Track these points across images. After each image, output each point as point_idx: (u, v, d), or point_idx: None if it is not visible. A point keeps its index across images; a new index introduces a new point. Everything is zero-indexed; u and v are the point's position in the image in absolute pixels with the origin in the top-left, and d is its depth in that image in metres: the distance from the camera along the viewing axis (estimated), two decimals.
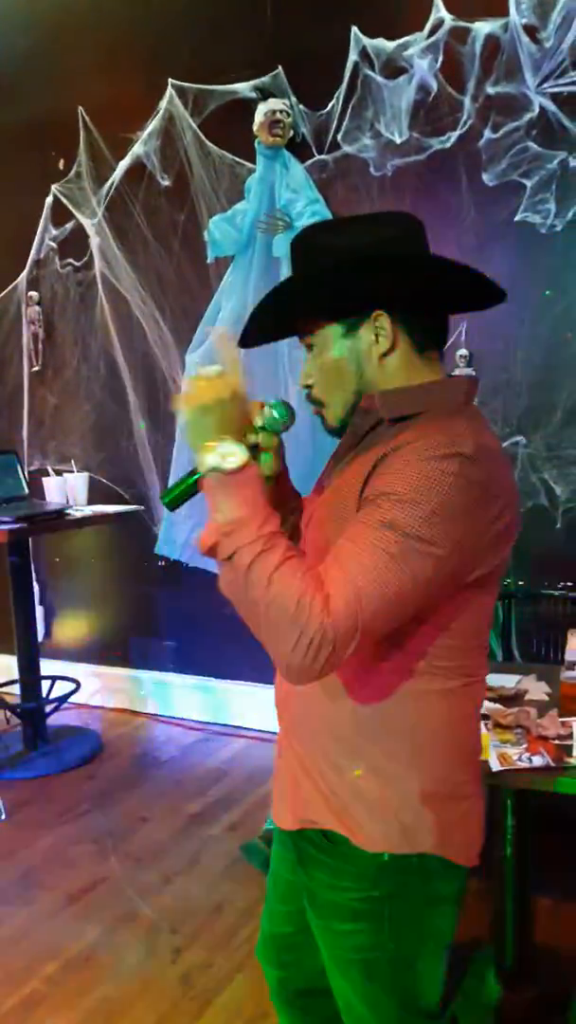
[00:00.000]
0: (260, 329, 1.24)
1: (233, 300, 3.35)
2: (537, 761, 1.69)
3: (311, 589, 0.97)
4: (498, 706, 1.92)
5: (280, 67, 3.21)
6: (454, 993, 1.28)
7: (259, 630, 1.01)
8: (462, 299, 1.21)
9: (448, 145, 2.96)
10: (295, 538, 1.37)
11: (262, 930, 1.42)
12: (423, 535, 0.98)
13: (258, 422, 1.17)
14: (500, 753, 1.73)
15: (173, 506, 1.15)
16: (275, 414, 1.18)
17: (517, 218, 2.86)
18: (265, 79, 3.23)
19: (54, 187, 3.81)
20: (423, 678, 1.10)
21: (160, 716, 3.90)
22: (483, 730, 1.79)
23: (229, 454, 1.02)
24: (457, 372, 2.93)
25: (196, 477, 1.10)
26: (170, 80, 3.42)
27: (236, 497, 1.01)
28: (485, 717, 1.85)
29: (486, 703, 1.92)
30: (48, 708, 3.57)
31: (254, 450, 1.17)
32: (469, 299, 1.21)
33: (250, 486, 1.02)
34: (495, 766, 1.68)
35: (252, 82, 3.26)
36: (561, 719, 1.82)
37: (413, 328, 1.14)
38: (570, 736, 1.76)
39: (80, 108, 3.67)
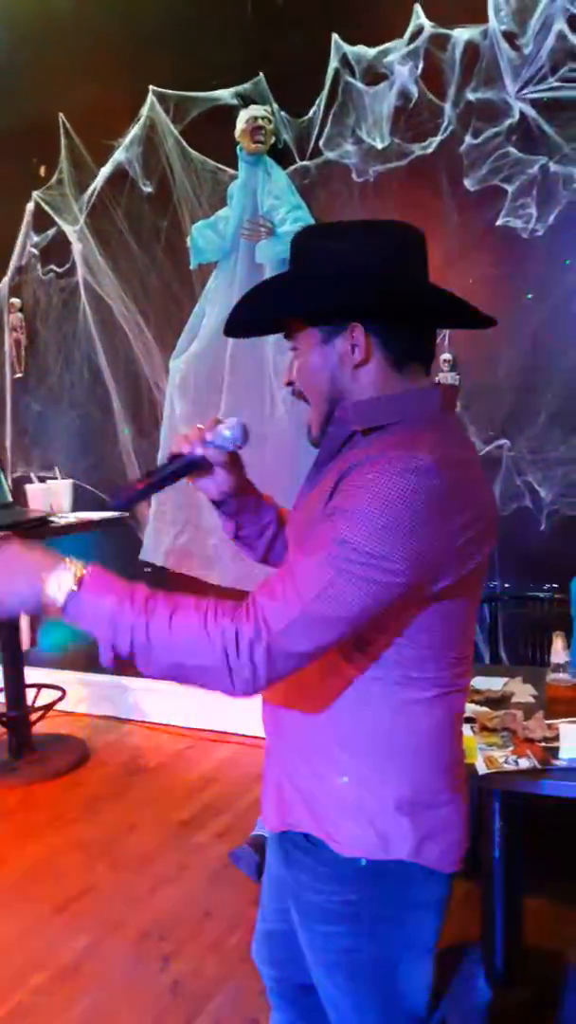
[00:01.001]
0: (247, 322, 1.25)
1: (217, 306, 3.35)
2: (523, 763, 1.70)
3: (209, 609, 1.00)
4: (484, 709, 1.93)
5: (262, 74, 3.22)
6: (443, 995, 1.28)
7: (195, 677, 1.04)
8: (448, 319, 1.22)
9: (430, 151, 2.98)
10: (274, 549, 1.40)
11: (256, 929, 1.43)
12: (374, 551, 0.98)
13: (208, 437, 1.22)
14: (487, 756, 1.73)
15: (128, 506, 1.20)
16: (225, 433, 1.22)
17: (499, 223, 2.89)
18: (247, 86, 3.24)
19: (36, 194, 3.80)
20: (398, 688, 1.11)
21: (147, 722, 3.88)
22: (469, 733, 1.79)
23: (62, 579, 1.03)
24: (440, 376, 2.95)
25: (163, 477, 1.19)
26: (151, 87, 3.42)
27: (95, 600, 1.02)
28: (471, 720, 1.86)
29: (472, 706, 1.93)
30: (34, 716, 3.55)
31: (201, 462, 1.21)
32: (455, 319, 1.22)
33: (97, 580, 1.03)
34: (482, 769, 1.69)
35: (234, 89, 3.27)
36: (547, 721, 1.83)
37: (390, 342, 1.13)
38: (556, 738, 1.77)
39: (61, 115, 3.67)
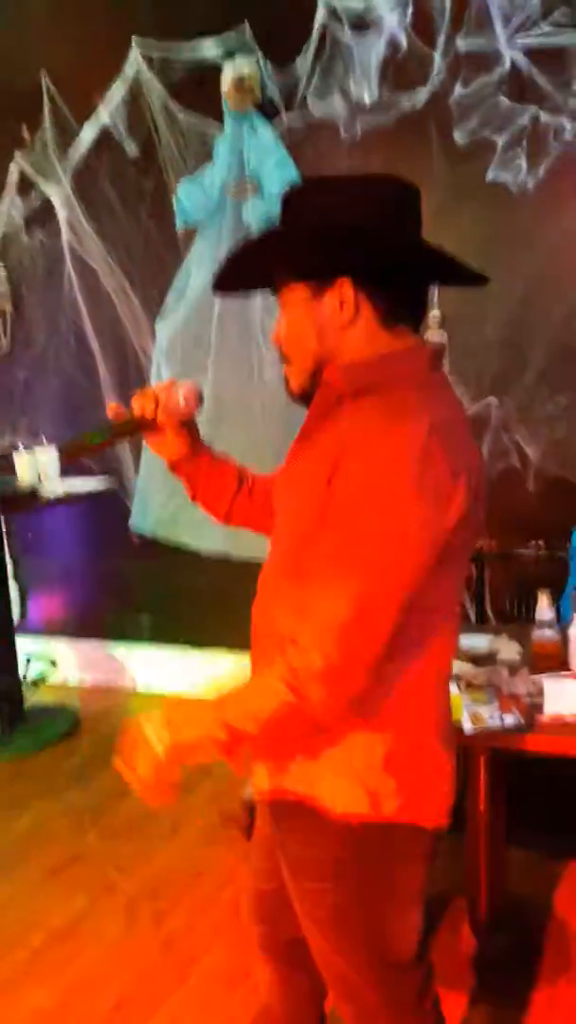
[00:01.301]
0: (235, 277, 1.24)
1: (203, 267, 3.30)
2: (508, 720, 1.70)
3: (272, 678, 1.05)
4: (470, 666, 1.92)
5: (246, 22, 3.13)
6: (429, 944, 1.29)
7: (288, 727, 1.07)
8: (440, 276, 1.19)
9: (419, 103, 2.91)
10: (251, 512, 1.41)
11: (248, 887, 1.45)
12: (391, 536, 1.00)
13: (162, 398, 1.23)
14: (472, 712, 1.73)
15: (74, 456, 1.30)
16: (179, 397, 1.23)
17: (489, 177, 2.84)
18: (231, 34, 3.15)
19: (18, 156, 3.71)
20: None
21: (137, 689, 3.88)
22: (455, 691, 1.79)
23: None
24: (429, 333, 2.91)
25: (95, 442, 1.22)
26: (134, 39, 3.32)
27: (195, 729, 1.11)
28: (457, 678, 1.85)
29: (458, 664, 1.92)
30: (25, 687, 3.54)
31: (151, 424, 1.24)
32: (447, 276, 1.19)
33: (185, 728, 1.11)
34: (467, 725, 1.69)
35: (219, 36, 3.17)
36: (532, 677, 1.82)
37: (380, 299, 1.11)
38: (541, 694, 1.76)
39: (43, 73, 3.57)
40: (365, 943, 1.20)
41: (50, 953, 2.14)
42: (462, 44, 2.81)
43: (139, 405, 1.24)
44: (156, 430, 1.26)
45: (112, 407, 1.28)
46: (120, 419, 1.26)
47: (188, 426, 1.30)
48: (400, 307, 1.13)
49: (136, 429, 1.25)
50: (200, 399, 1.24)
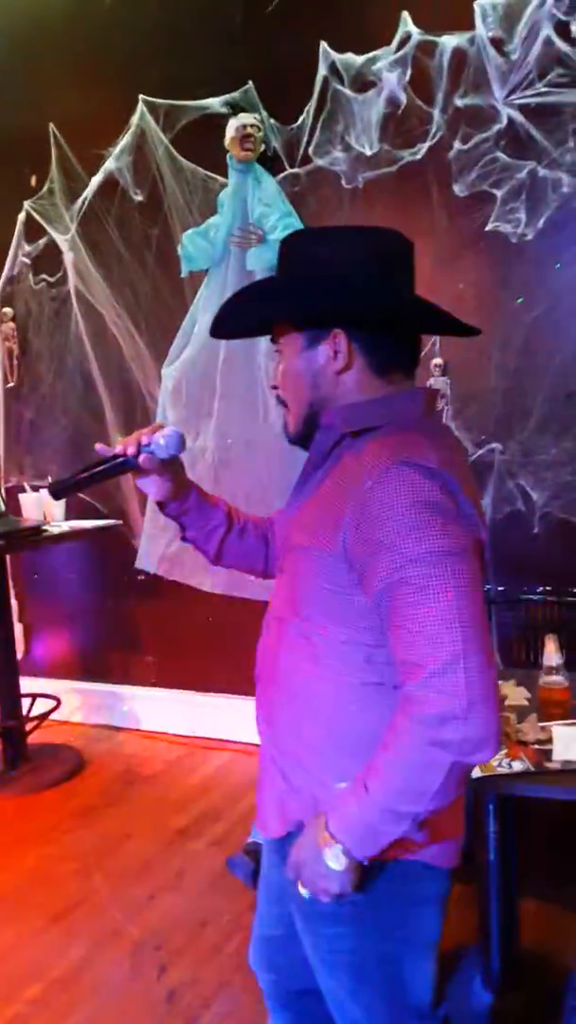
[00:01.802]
0: (232, 323, 1.27)
1: (208, 313, 3.35)
2: (517, 766, 1.70)
3: (390, 741, 1.05)
4: None
5: (251, 82, 3.23)
6: (444, 996, 1.28)
7: (450, 781, 1.05)
8: (431, 327, 1.23)
9: (418, 157, 2.99)
10: (242, 553, 1.42)
11: (254, 934, 1.43)
12: (451, 547, 1.02)
13: (144, 441, 1.26)
14: None
15: (63, 494, 1.32)
16: (161, 440, 1.26)
17: (488, 228, 2.90)
18: (236, 94, 3.25)
19: (27, 203, 3.80)
20: (395, 692, 1.11)
21: (142, 731, 3.87)
22: None
23: (331, 856, 1.09)
24: (431, 381, 2.96)
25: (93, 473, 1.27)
26: (141, 96, 3.43)
27: (356, 837, 1.08)
28: None
29: None
30: (28, 726, 3.54)
31: (134, 465, 1.27)
32: (439, 327, 1.22)
33: (338, 821, 1.08)
34: (476, 771, 1.69)
35: (223, 97, 3.28)
36: (541, 724, 1.83)
37: (373, 350, 1.15)
38: (549, 741, 1.77)
39: (51, 125, 3.67)
40: (381, 989, 1.19)
41: (52, 1002, 2.11)
42: (460, 102, 2.89)
43: (123, 445, 1.27)
44: (141, 470, 1.29)
45: (99, 447, 1.31)
46: (108, 458, 1.29)
47: (172, 467, 1.32)
48: (393, 356, 1.17)
49: (121, 468, 1.28)
50: (182, 443, 1.28)
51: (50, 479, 3.75)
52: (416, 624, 1.02)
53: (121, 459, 1.27)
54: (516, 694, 2.05)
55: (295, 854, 1.14)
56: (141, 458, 1.26)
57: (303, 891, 1.14)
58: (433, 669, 1.01)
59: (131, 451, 1.26)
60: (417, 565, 1.02)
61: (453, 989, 1.95)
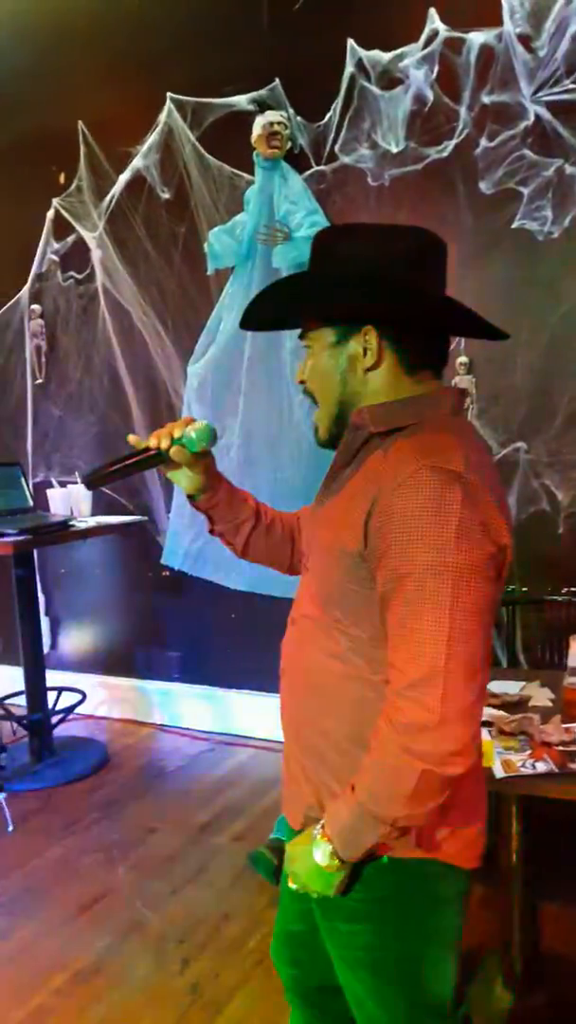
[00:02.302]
0: (263, 316, 1.28)
1: (234, 311, 3.36)
2: (541, 767, 1.70)
3: (373, 745, 1.07)
4: (502, 713, 1.92)
5: (277, 80, 3.23)
6: (463, 998, 1.29)
7: (432, 789, 1.05)
8: (462, 329, 1.22)
9: (445, 154, 2.98)
10: (269, 548, 1.44)
11: (276, 929, 1.45)
12: (460, 562, 1.02)
13: (176, 434, 1.26)
14: (504, 760, 1.73)
15: (95, 485, 1.32)
16: (192, 434, 1.26)
17: (514, 225, 2.88)
18: (263, 92, 3.26)
19: (55, 201, 3.83)
20: None
21: (166, 726, 3.90)
22: (487, 736, 1.79)
23: (318, 851, 1.12)
24: (457, 380, 2.95)
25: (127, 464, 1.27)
26: (168, 94, 3.45)
27: (344, 837, 1.10)
28: (489, 724, 1.86)
29: (489, 710, 1.92)
30: (54, 719, 3.58)
31: (165, 458, 1.28)
32: (469, 329, 1.22)
33: (332, 825, 1.11)
34: (499, 773, 1.69)
35: (250, 95, 3.29)
36: (565, 725, 1.82)
37: (403, 348, 1.15)
38: (574, 742, 1.76)
39: (80, 123, 3.70)
40: (400, 988, 1.20)
41: (76, 992, 2.14)
42: (487, 99, 2.87)
43: (156, 438, 1.28)
44: (171, 463, 1.30)
45: (132, 439, 1.32)
46: (139, 451, 1.30)
47: (203, 461, 1.33)
48: (423, 355, 1.17)
49: (152, 460, 1.29)
50: (214, 436, 1.28)
51: (78, 474, 3.78)
52: (405, 632, 1.03)
53: (153, 452, 1.28)
54: (540, 695, 2.04)
55: (290, 848, 1.17)
56: (172, 451, 1.27)
57: (292, 885, 1.17)
58: (413, 679, 1.02)
59: (164, 444, 1.27)
60: (419, 575, 1.02)
61: (474, 989, 1.95)
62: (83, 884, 2.63)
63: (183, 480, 1.34)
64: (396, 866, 1.14)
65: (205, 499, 1.38)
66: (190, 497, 1.39)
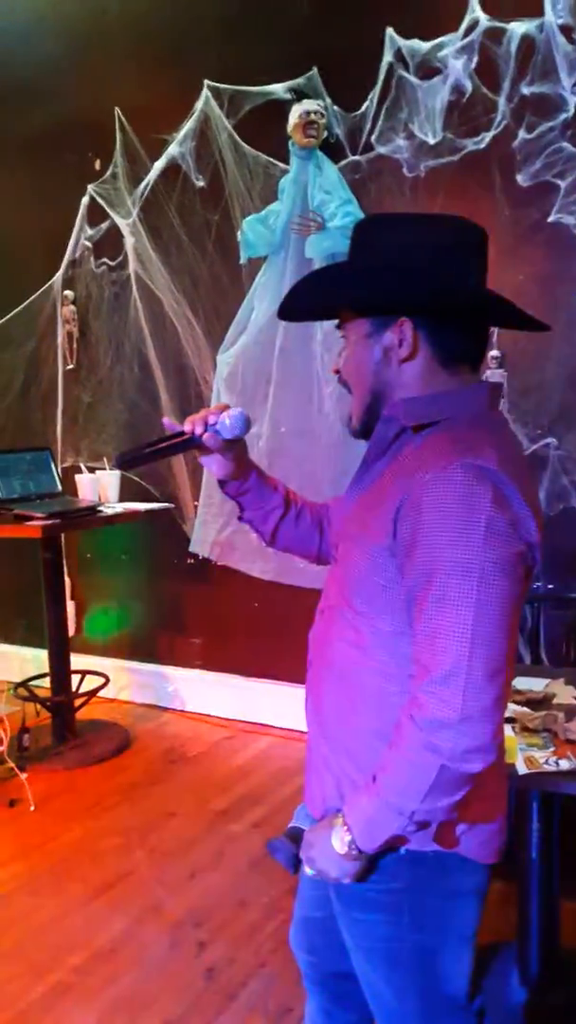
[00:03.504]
0: (301, 306, 1.28)
1: (266, 301, 3.36)
2: (564, 765, 1.69)
3: (394, 738, 1.07)
4: (525, 709, 1.91)
5: (315, 68, 3.22)
6: (479, 990, 1.29)
7: (451, 786, 1.05)
8: (502, 321, 1.21)
9: (482, 145, 2.95)
10: (297, 536, 1.44)
11: (294, 916, 1.46)
12: (487, 560, 1.01)
13: (210, 420, 1.27)
14: (527, 756, 1.72)
15: (128, 466, 1.35)
16: (227, 421, 1.27)
17: (551, 219, 2.85)
18: (300, 80, 3.24)
19: (90, 187, 3.85)
20: None
21: (187, 712, 3.93)
22: (510, 733, 1.78)
23: (336, 839, 1.12)
24: (488, 373, 2.93)
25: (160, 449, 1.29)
26: (205, 81, 3.44)
27: (360, 828, 1.10)
28: (512, 720, 1.85)
29: (513, 706, 1.92)
30: (77, 702, 3.62)
31: (199, 443, 1.28)
32: (509, 321, 1.21)
33: (351, 813, 1.11)
34: (521, 769, 1.68)
35: (287, 83, 3.27)
36: None
37: (439, 340, 1.14)
38: None
39: (117, 109, 3.70)
40: (416, 979, 1.20)
41: (93, 972, 2.17)
42: (526, 90, 2.84)
43: (190, 423, 1.29)
44: (205, 448, 1.31)
45: (166, 422, 1.33)
46: (173, 435, 1.31)
47: (235, 447, 1.33)
48: (460, 348, 1.16)
49: (186, 445, 1.30)
50: (247, 424, 1.29)
51: (107, 459, 3.80)
52: (430, 628, 1.03)
53: (187, 437, 1.29)
54: (565, 693, 2.03)
55: (310, 834, 1.17)
56: (205, 436, 1.28)
57: (308, 870, 1.18)
58: (435, 675, 1.02)
59: (198, 430, 1.28)
60: (445, 572, 1.02)
61: (489, 982, 1.95)
62: (102, 866, 2.66)
63: (214, 466, 1.35)
64: (414, 857, 1.14)
65: (235, 486, 1.39)
66: (220, 483, 1.39)
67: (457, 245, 1.13)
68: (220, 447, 1.29)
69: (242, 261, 3.45)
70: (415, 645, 1.06)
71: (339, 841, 1.11)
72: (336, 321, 1.25)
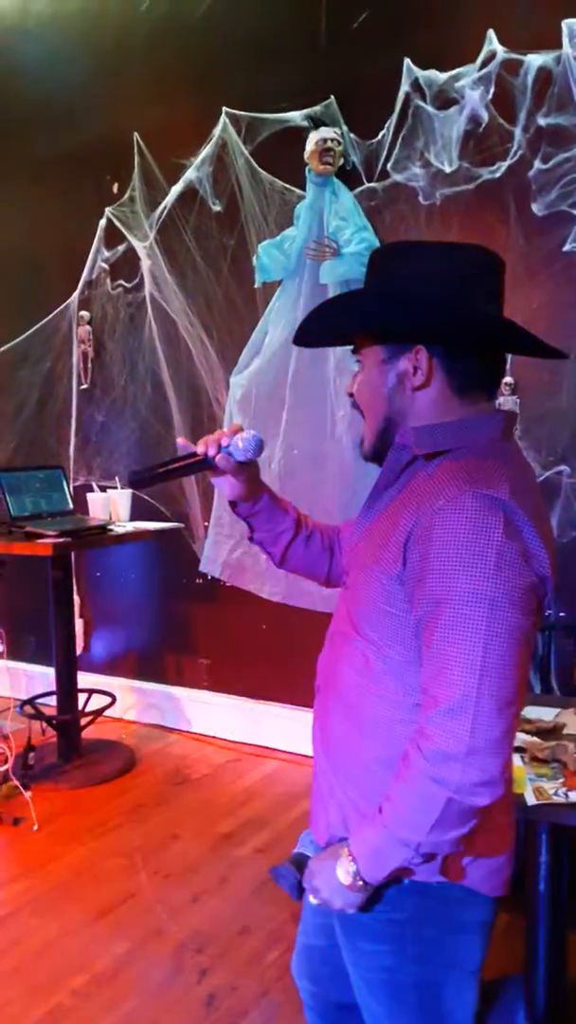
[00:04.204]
0: (317, 332, 1.29)
1: (280, 325, 3.38)
2: (574, 796, 1.67)
3: (401, 769, 1.07)
4: (535, 739, 1.90)
5: (332, 96, 3.26)
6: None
7: (457, 820, 1.05)
8: (517, 349, 1.22)
9: (498, 175, 2.98)
10: (307, 559, 1.44)
11: (297, 944, 1.44)
12: (498, 591, 1.01)
13: (224, 443, 1.28)
14: (536, 787, 1.71)
15: (141, 484, 1.35)
16: (240, 443, 1.28)
17: (566, 248, 2.86)
18: (317, 108, 3.29)
19: (108, 210, 3.90)
20: None
21: (193, 733, 3.91)
22: (519, 763, 1.77)
23: (341, 869, 1.12)
24: (501, 400, 2.93)
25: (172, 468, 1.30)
26: (224, 108, 3.49)
27: (366, 859, 1.10)
28: (521, 750, 1.83)
29: (523, 736, 1.90)
30: (83, 721, 3.61)
31: (212, 464, 1.29)
32: (525, 349, 1.22)
33: (356, 845, 1.11)
34: (530, 800, 1.66)
35: (304, 111, 3.32)
36: None
37: (454, 368, 1.14)
38: None
39: (135, 134, 3.76)
40: (418, 1011, 1.18)
41: (94, 995, 2.15)
42: (543, 121, 2.87)
43: (204, 444, 1.29)
44: (217, 469, 1.31)
45: (180, 442, 1.35)
46: (187, 455, 1.32)
47: (248, 469, 1.33)
48: (475, 376, 1.16)
49: (199, 466, 1.31)
50: (260, 447, 1.29)
51: (118, 477, 3.82)
52: (439, 658, 1.03)
53: (200, 458, 1.29)
54: (575, 723, 2.01)
55: (314, 862, 1.17)
56: (218, 458, 1.28)
57: (312, 899, 1.17)
58: (443, 707, 1.02)
59: (211, 452, 1.28)
60: (455, 603, 1.02)
61: (495, 1019, 1.92)
62: (105, 887, 2.64)
63: (226, 486, 1.36)
64: (418, 888, 1.13)
65: (247, 507, 1.39)
66: (232, 504, 1.40)
67: (474, 274, 1.14)
68: (233, 469, 1.30)
69: (257, 285, 3.47)
70: (424, 675, 1.06)
71: (344, 872, 1.10)
72: (352, 346, 1.26)
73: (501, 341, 1.19)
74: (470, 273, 1.14)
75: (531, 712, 2.05)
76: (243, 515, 1.41)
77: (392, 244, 1.24)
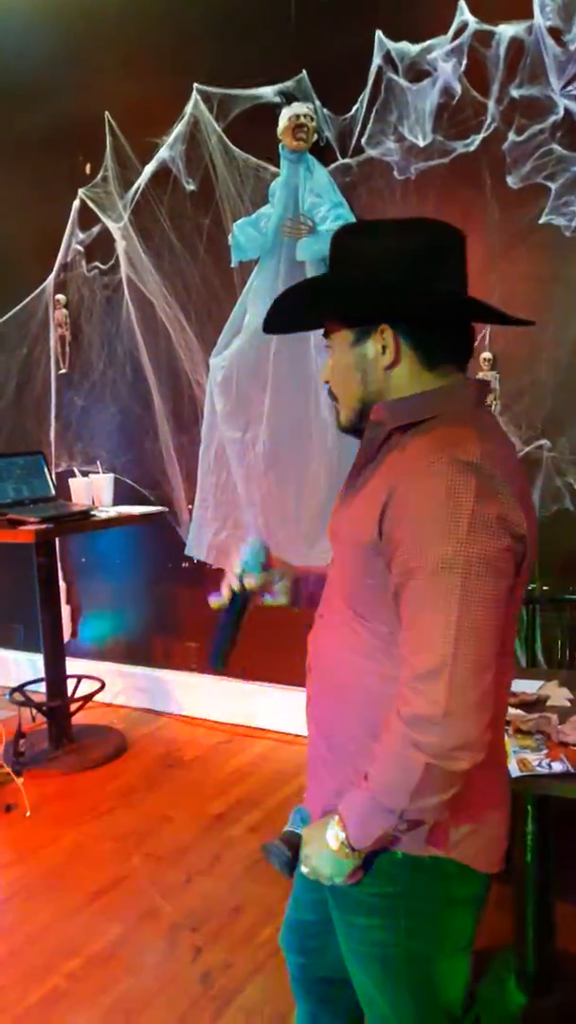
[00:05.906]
0: (285, 319, 1.29)
1: (259, 304, 3.36)
2: (557, 767, 1.69)
3: (384, 726, 1.07)
4: (519, 711, 1.92)
5: (304, 71, 3.22)
6: (475, 997, 1.29)
7: (436, 784, 1.05)
8: (482, 318, 1.22)
9: (472, 148, 2.96)
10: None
11: (286, 917, 1.46)
12: (472, 555, 1.01)
13: (236, 570, 1.33)
14: (520, 759, 1.73)
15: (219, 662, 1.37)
16: (246, 558, 1.33)
17: (542, 220, 2.85)
18: (289, 83, 3.24)
19: (81, 191, 3.84)
20: None
21: (184, 716, 3.92)
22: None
23: (330, 835, 1.13)
24: (480, 375, 2.93)
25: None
26: (195, 85, 3.44)
27: (355, 825, 1.11)
28: (506, 722, 1.85)
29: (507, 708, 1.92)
30: (73, 707, 3.61)
31: (249, 595, 1.34)
32: (491, 318, 1.21)
33: (347, 810, 1.11)
34: (515, 772, 1.68)
35: (276, 86, 3.27)
36: None
37: (421, 344, 1.15)
38: None
39: (107, 113, 3.70)
40: (411, 987, 1.20)
41: (89, 977, 2.17)
42: (516, 93, 2.84)
43: (226, 588, 1.37)
44: (258, 594, 1.39)
45: (214, 604, 1.41)
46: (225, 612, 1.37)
47: (276, 572, 1.41)
48: (442, 349, 1.16)
49: (242, 604, 1.37)
50: (263, 547, 1.35)
51: (99, 463, 3.79)
52: (416, 625, 1.04)
53: (234, 596, 1.35)
54: (558, 695, 2.03)
55: (306, 830, 1.18)
56: (246, 583, 1.33)
57: (304, 868, 1.18)
58: (420, 671, 1.02)
59: (236, 585, 1.34)
60: (431, 567, 1.02)
61: (486, 989, 1.95)
62: (98, 871, 2.65)
63: (280, 596, 1.43)
64: (411, 863, 1.14)
65: (307, 596, 1.45)
66: (292, 605, 1.46)
67: (431, 249, 1.14)
68: (267, 582, 1.36)
69: (233, 264, 3.44)
70: (401, 642, 1.07)
71: (333, 836, 1.11)
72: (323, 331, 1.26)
73: (464, 313, 1.19)
74: (428, 248, 1.13)
75: (515, 685, 2.06)
76: (307, 605, 1.44)
77: (349, 225, 1.24)
